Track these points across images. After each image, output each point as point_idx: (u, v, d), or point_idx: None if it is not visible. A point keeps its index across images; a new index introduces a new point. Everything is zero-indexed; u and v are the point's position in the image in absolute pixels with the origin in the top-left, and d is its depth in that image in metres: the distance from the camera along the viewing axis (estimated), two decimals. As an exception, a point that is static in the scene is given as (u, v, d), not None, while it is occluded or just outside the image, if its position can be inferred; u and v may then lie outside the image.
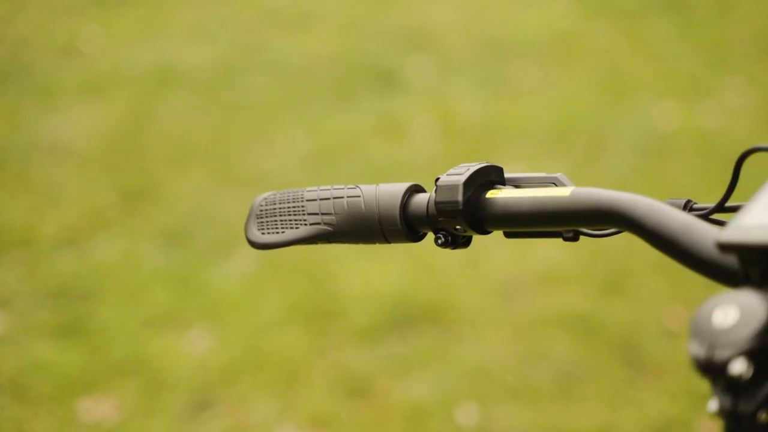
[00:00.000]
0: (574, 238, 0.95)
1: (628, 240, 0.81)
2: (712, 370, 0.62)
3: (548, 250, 3.32)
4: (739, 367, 0.61)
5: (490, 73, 5.02)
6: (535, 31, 5.47)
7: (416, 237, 0.96)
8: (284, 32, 5.64)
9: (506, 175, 0.95)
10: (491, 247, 3.41)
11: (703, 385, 0.98)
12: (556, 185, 0.91)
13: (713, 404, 0.64)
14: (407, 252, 3.43)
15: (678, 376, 2.74)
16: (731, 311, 0.63)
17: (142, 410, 2.72)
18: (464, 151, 4.20)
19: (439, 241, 0.94)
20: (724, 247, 0.68)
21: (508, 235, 0.97)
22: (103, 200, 3.86)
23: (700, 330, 0.63)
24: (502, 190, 0.92)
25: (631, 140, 4.16)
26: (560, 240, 0.95)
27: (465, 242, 0.95)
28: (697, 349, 0.62)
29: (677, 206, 0.87)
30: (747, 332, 0.61)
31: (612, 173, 3.95)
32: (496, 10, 5.87)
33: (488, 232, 0.94)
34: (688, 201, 0.88)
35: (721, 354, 0.61)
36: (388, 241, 0.97)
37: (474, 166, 0.92)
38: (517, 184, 0.94)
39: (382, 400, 2.74)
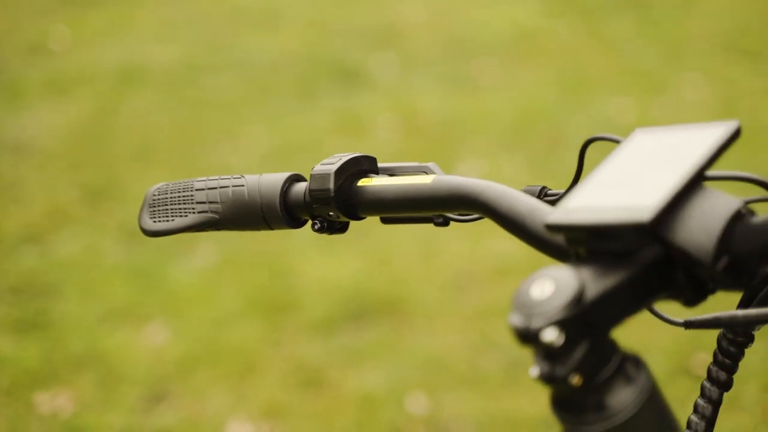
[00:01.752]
0: (444, 223, 1.01)
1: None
2: (527, 338, 0.68)
3: (501, 243, 3.38)
4: (550, 335, 0.67)
5: (452, 71, 5.09)
6: (498, 29, 5.54)
7: (297, 223, 1.02)
8: (251, 30, 5.69)
9: (380, 164, 1.01)
10: (446, 240, 3.48)
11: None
12: (427, 174, 0.97)
13: (534, 371, 0.70)
14: (364, 246, 3.49)
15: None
16: (547, 285, 0.69)
17: (99, 403, 2.77)
18: (425, 147, 4.27)
19: (316, 227, 1.00)
20: (551, 228, 0.75)
21: (383, 221, 1.03)
22: (66, 197, 3.90)
23: (519, 302, 0.69)
24: (374, 178, 0.99)
25: (588, 135, 4.22)
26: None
27: (341, 228, 1.01)
28: (515, 320, 0.68)
29: (533, 192, 0.94)
30: (558, 304, 0.67)
31: (569, 168, 4.02)
32: (461, 8, 5.94)
33: (361, 218, 1.00)
34: (543, 187, 0.95)
35: (535, 324, 0.67)
36: (270, 228, 1.03)
37: (346, 156, 0.99)
38: (390, 173, 1.00)
39: (335, 390, 2.80)
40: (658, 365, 2.74)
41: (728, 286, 0.73)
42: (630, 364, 0.72)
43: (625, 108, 4.50)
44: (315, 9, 6.05)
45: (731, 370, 0.97)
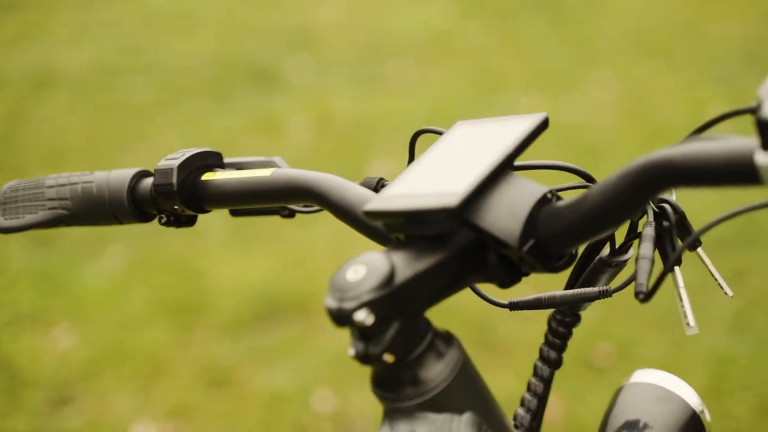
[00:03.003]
0: (290, 215, 1.05)
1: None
2: (340, 319, 0.71)
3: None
4: (361, 315, 0.70)
5: (367, 72, 5.13)
6: (412, 30, 5.60)
7: (145, 217, 1.04)
8: (166, 33, 5.67)
9: (226, 159, 1.04)
10: (359, 240, 3.50)
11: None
12: (272, 167, 1.00)
13: (350, 350, 0.74)
14: (277, 246, 3.51)
15: (525, 356, 2.87)
16: (360, 269, 0.72)
17: (2, 407, 2.74)
18: (339, 147, 4.30)
19: (162, 221, 1.03)
20: (368, 214, 0.78)
21: (233, 213, 1.06)
22: (-26, 203, 3.86)
23: (334, 286, 0.72)
24: (218, 172, 1.01)
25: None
26: None
27: (188, 221, 1.04)
28: (329, 302, 0.71)
29: (370, 184, 0.97)
30: (368, 286, 0.71)
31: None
32: (376, 10, 5.98)
33: (206, 211, 1.03)
34: (380, 179, 0.98)
35: (346, 305, 0.70)
36: (120, 222, 1.04)
37: (190, 151, 1.01)
38: (236, 167, 1.03)
39: (243, 389, 2.81)
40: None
41: (536, 268, 0.77)
42: (441, 341, 0.76)
43: (533, 106, 4.58)
44: (230, 11, 6.05)
45: (561, 349, 1.02)
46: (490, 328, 3.00)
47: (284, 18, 5.91)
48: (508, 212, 0.74)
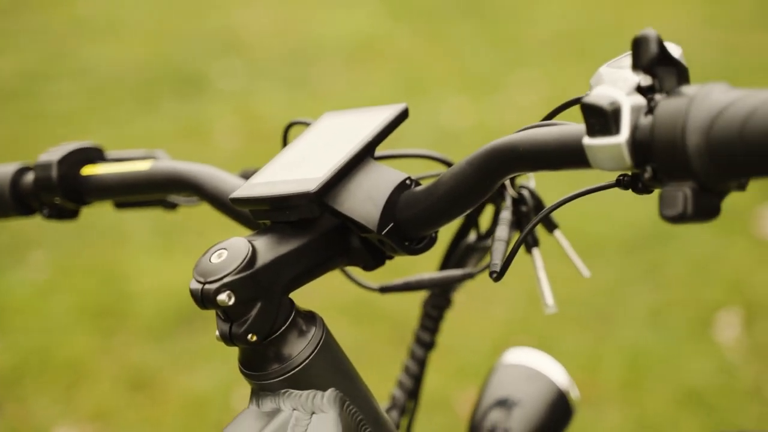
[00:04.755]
0: (172, 207, 1.07)
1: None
2: (202, 301, 0.74)
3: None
4: (223, 297, 0.73)
5: (296, 76, 5.14)
6: (341, 34, 5.63)
7: (27, 211, 1.06)
8: (92, 40, 5.63)
9: (108, 152, 1.06)
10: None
11: (468, 362, 1.12)
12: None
13: (216, 332, 0.77)
14: (201, 248, 3.51)
15: (449, 354, 2.91)
16: (223, 253, 0.76)
17: None
18: (265, 152, 4.29)
19: (45, 213, 1.04)
20: (233, 202, 0.81)
21: (117, 206, 1.08)
22: None
23: (198, 269, 0.75)
24: (99, 165, 1.03)
25: (423, 136, 4.32)
26: None
27: (71, 214, 1.06)
28: (194, 285, 0.74)
29: (248, 175, 1.00)
30: (228, 269, 0.74)
31: (402, 166, 4.12)
32: (304, 14, 6.01)
33: (88, 204, 1.05)
34: (258, 169, 1.01)
35: (208, 288, 0.73)
36: (3, 216, 1.06)
37: (71, 146, 1.03)
38: (118, 160, 1.05)
39: (165, 392, 2.81)
40: (483, 353, 2.85)
41: (397, 251, 0.80)
42: (303, 320, 0.79)
43: (463, 109, 4.63)
44: (158, 18, 6.02)
45: (434, 331, 1.06)
46: (411, 328, 3.03)
47: (211, 24, 5.90)
48: (367, 198, 0.78)
